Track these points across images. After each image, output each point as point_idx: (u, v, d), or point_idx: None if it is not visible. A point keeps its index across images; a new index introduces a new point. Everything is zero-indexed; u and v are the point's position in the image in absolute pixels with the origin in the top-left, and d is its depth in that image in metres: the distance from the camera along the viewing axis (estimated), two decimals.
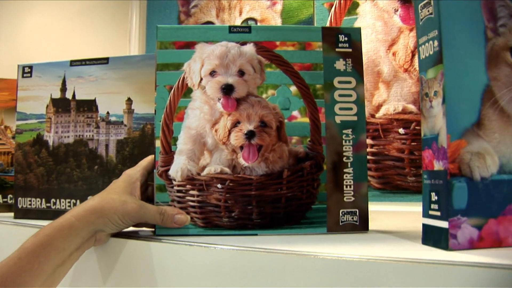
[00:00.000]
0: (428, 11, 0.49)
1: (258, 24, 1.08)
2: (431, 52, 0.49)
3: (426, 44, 0.49)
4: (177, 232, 0.58)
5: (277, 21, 1.07)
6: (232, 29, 0.60)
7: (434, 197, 0.48)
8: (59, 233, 0.56)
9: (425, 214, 0.49)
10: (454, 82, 0.47)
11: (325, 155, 0.59)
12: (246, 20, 1.10)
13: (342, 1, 1.00)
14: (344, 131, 0.60)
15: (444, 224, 0.46)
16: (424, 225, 0.50)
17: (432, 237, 0.49)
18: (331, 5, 1.01)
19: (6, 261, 0.55)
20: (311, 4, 1.04)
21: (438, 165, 0.47)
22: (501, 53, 0.49)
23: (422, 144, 0.51)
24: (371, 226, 0.61)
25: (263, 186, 0.58)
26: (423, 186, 0.50)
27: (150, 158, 0.63)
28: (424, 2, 0.50)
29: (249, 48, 0.60)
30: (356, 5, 1.00)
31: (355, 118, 0.60)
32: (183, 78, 0.60)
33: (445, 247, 0.46)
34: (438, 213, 0.47)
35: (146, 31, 1.28)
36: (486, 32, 0.49)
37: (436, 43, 0.48)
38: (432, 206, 0.48)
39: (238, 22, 1.11)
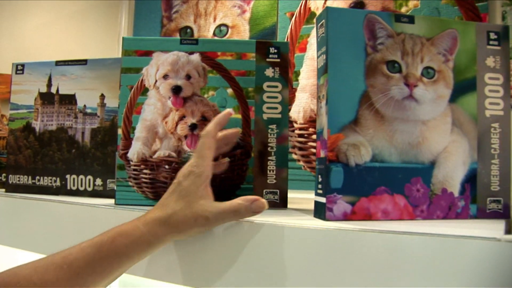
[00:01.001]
0: (322, 31, 0.64)
1: (230, 29, 1.25)
2: (322, 64, 0.63)
3: (320, 57, 0.64)
4: (133, 202, 0.75)
5: (245, 28, 1.23)
6: (182, 41, 0.77)
7: (319, 179, 0.63)
8: (137, 247, 0.58)
9: (315, 193, 0.64)
10: (336, 88, 0.61)
11: (253, 145, 0.76)
12: (219, 26, 1.26)
13: (301, 12, 1.16)
14: (270, 126, 0.76)
15: (323, 200, 0.60)
16: (314, 202, 0.65)
17: (317, 210, 0.63)
18: (292, 15, 1.17)
19: (80, 255, 0.58)
20: (275, 14, 1.20)
21: (322, 153, 0.62)
22: (378, 66, 0.63)
23: (316, 136, 0.66)
24: (296, 206, 0.77)
25: None
26: (316, 170, 0.66)
27: (209, 142, 0.64)
28: (320, 23, 0.64)
29: (196, 57, 0.76)
30: (314, 15, 1.15)
31: (279, 116, 0.76)
32: (142, 80, 0.76)
33: (324, 218, 0.60)
34: (321, 192, 0.62)
35: (133, 33, 1.44)
36: (367, 49, 0.63)
37: (325, 56, 0.62)
38: (319, 186, 0.62)
39: (212, 27, 1.27)
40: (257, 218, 0.60)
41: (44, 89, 0.96)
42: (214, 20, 1.27)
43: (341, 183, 0.61)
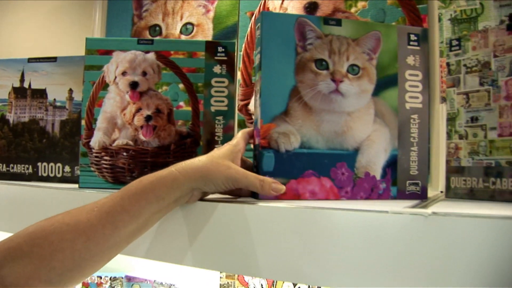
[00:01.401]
0: (258, 33, 0.73)
1: (195, 28, 1.35)
2: (257, 62, 0.72)
3: (256, 56, 0.73)
4: (94, 185, 0.85)
5: (209, 26, 1.34)
6: (140, 41, 0.87)
7: (254, 163, 0.73)
8: (162, 182, 0.62)
9: None
10: (268, 83, 0.70)
11: (201, 134, 0.86)
12: (185, 24, 1.37)
13: (260, 11, 1.27)
14: (217, 118, 0.86)
15: None
16: None
17: (253, 192, 0.71)
18: (252, 14, 1.28)
19: (110, 198, 0.61)
20: (236, 13, 1.31)
21: (257, 141, 0.71)
22: (307, 64, 0.71)
23: (253, 126, 0.74)
24: None
25: (156, 155, 0.85)
26: (253, 156, 0.75)
27: (245, 131, 0.73)
28: (257, 26, 0.73)
29: (151, 56, 0.86)
30: None
31: (226, 108, 0.86)
32: (103, 76, 0.86)
33: (257, 198, 0.68)
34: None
35: (106, 31, 1.54)
36: (297, 49, 0.71)
37: (259, 56, 0.72)
38: (254, 170, 0.72)
39: (179, 25, 1.37)
40: (208, 198, 0.69)
41: (17, 84, 1.06)
42: (181, 19, 1.37)
43: (272, 167, 0.70)
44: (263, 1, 1.26)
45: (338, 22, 0.73)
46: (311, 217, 0.59)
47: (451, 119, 0.80)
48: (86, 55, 0.86)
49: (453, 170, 0.80)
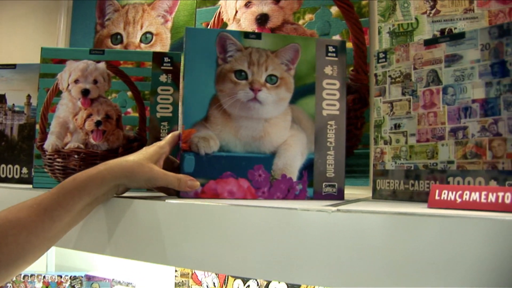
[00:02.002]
0: (184, 46, 0.79)
1: (154, 37, 1.42)
2: (182, 74, 0.80)
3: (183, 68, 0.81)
4: (47, 186, 0.91)
5: (167, 35, 1.40)
6: (91, 52, 0.93)
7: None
8: (92, 180, 0.70)
9: None
10: (189, 92, 0.77)
11: (148, 138, 0.92)
12: (145, 33, 1.43)
13: (215, 22, 1.34)
14: (162, 123, 0.92)
15: None
16: None
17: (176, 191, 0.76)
18: (207, 25, 1.35)
19: (47, 195, 0.69)
20: (193, 23, 1.37)
21: (180, 144, 0.77)
22: (227, 74, 0.78)
23: None
24: None
25: (105, 158, 0.90)
26: None
27: (174, 134, 0.79)
28: (184, 40, 0.80)
29: (102, 65, 0.92)
30: (225, 25, 1.33)
31: (170, 114, 0.93)
32: (57, 83, 0.92)
33: (179, 196, 0.75)
34: None
35: (70, 38, 1.60)
36: (218, 60, 0.78)
37: (183, 67, 0.79)
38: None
39: (139, 34, 1.44)
40: (127, 195, 0.76)
41: None
42: (141, 28, 1.44)
43: (193, 168, 0.76)
44: (217, 13, 1.33)
45: (258, 36, 0.80)
46: (221, 213, 0.66)
47: (377, 125, 0.88)
48: (41, 64, 0.92)
49: (379, 173, 0.88)
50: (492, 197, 0.60)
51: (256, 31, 1.27)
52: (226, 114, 0.78)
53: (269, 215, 0.62)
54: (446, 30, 1.10)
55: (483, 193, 0.61)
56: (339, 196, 0.81)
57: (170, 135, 0.79)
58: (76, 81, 0.91)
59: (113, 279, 1.38)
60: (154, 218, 0.71)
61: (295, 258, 0.60)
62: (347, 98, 1.12)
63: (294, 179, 0.79)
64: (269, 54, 0.80)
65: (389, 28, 1.15)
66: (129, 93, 0.92)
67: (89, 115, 0.91)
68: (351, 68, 1.17)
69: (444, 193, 0.65)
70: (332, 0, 1.20)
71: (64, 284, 1.38)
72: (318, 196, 0.80)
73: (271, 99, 0.79)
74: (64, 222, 0.69)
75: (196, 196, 0.76)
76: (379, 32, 1.16)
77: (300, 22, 1.24)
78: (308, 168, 0.80)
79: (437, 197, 0.65)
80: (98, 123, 0.90)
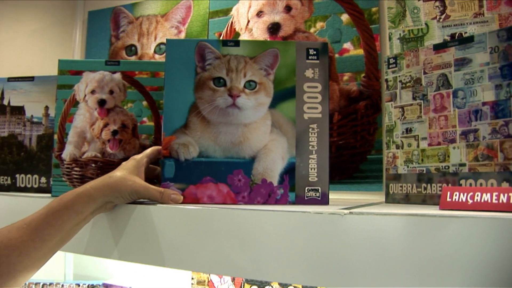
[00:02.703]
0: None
1: None
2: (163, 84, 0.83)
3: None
4: None
5: None
6: (107, 63, 0.95)
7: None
8: (80, 199, 0.73)
9: None
10: (169, 100, 0.80)
11: None
12: (159, 44, 1.46)
13: (227, 32, 1.36)
14: None
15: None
16: None
17: None
18: (220, 35, 1.37)
19: (36, 216, 0.72)
20: (206, 34, 1.40)
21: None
22: (206, 82, 0.80)
23: None
24: None
25: None
26: None
27: (154, 148, 0.83)
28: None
29: (117, 76, 0.94)
30: (238, 35, 1.35)
31: None
32: (74, 94, 0.94)
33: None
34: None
35: (86, 50, 1.63)
36: (196, 69, 0.80)
37: (164, 77, 0.81)
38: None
39: (153, 45, 1.46)
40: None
41: None
42: (155, 39, 1.47)
43: (173, 174, 0.78)
44: (230, 23, 1.36)
45: (237, 43, 0.81)
46: (236, 217, 0.68)
47: (389, 130, 0.89)
48: (58, 75, 0.94)
49: (391, 177, 0.89)
50: (503, 198, 0.61)
51: (268, 40, 1.29)
52: (205, 121, 0.80)
53: (283, 218, 0.64)
54: (456, 34, 1.11)
55: (494, 194, 0.62)
56: (323, 200, 0.80)
57: (150, 148, 0.83)
58: (92, 92, 0.93)
59: (130, 287, 1.40)
60: (162, 223, 0.74)
61: (308, 259, 0.61)
62: (359, 104, 1.13)
63: (275, 183, 0.79)
64: (248, 60, 0.81)
65: (400, 34, 1.16)
66: (144, 103, 0.94)
67: (105, 125, 0.93)
68: (363, 75, 1.18)
69: (456, 195, 0.66)
70: (343, 7, 1.22)
71: None
72: (300, 200, 0.79)
73: (250, 105, 0.80)
74: (54, 241, 0.72)
75: None
76: (390, 38, 1.17)
77: (312, 30, 1.25)
78: (289, 172, 0.79)
79: (448, 199, 0.66)
80: (114, 133, 0.93)
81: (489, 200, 0.62)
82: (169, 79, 0.80)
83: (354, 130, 1.17)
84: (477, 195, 0.64)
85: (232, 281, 1.30)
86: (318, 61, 0.82)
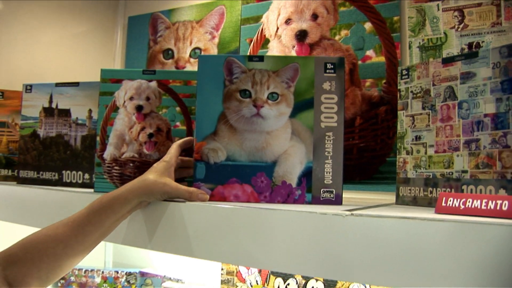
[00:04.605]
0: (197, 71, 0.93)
1: (202, 52, 1.55)
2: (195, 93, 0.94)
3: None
4: (106, 190, 1.05)
5: (215, 51, 1.54)
6: (144, 72, 1.06)
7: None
8: (117, 201, 0.84)
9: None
10: (201, 110, 0.90)
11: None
12: (194, 49, 1.57)
13: (258, 38, 1.46)
14: None
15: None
16: None
17: None
18: (251, 41, 1.47)
19: (79, 214, 0.84)
20: (238, 39, 1.50)
21: (193, 155, 0.91)
22: (233, 94, 0.90)
23: None
24: None
25: None
26: None
27: (178, 144, 0.93)
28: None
29: (153, 84, 1.05)
30: (267, 41, 1.45)
31: None
32: (114, 101, 1.06)
33: None
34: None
35: (126, 54, 1.76)
36: (225, 81, 0.90)
37: (196, 89, 0.92)
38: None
39: (189, 50, 1.58)
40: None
41: (46, 105, 1.28)
42: (190, 44, 1.58)
43: (203, 175, 0.89)
44: (260, 29, 1.45)
45: (261, 58, 0.91)
46: (246, 215, 0.78)
47: (400, 137, 0.97)
48: (101, 83, 1.06)
49: (401, 181, 0.97)
50: (491, 204, 0.69)
51: (295, 46, 1.38)
52: (232, 128, 0.90)
53: (293, 217, 0.74)
54: (474, 44, 1.18)
55: (484, 200, 0.70)
56: (336, 201, 0.88)
57: (173, 147, 0.93)
58: (131, 98, 1.04)
59: (164, 276, 1.52)
60: (192, 218, 0.84)
61: (313, 254, 0.71)
62: (380, 109, 1.22)
63: (294, 185, 0.89)
64: (271, 74, 0.90)
65: (419, 43, 1.23)
66: (178, 109, 1.05)
67: (142, 128, 1.04)
68: (384, 81, 1.26)
69: (450, 200, 0.74)
70: (366, 16, 1.30)
71: (120, 279, 1.54)
72: (316, 201, 0.88)
73: (272, 114, 0.89)
74: (94, 236, 0.83)
75: (210, 199, 0.88)
76: (410, 47, 1.25)
77: (336, 37, 1.34)
78: (306, 175, 0.89)
79: (443, 204, 0.74)
80: (150, 135, 1.04)
81: (479, 206, 0.70)
82: (201, 91, 0.91)
83: (374, 133, 1.25)
84: (469, 201, 0.72)
85: (259, 273, 1.40)
86: (335, 75, 0.90)
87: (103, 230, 0.85)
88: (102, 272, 1.56)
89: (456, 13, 1.20)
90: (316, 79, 0.90)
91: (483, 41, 1.16)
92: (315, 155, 0.89)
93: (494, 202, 0.69)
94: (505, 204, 0.68)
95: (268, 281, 1.38)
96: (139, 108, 1.04)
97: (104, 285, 1.54)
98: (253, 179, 0.89)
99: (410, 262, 0.63)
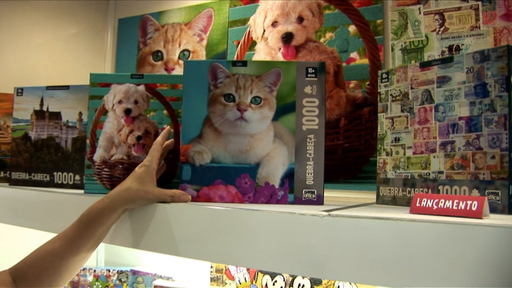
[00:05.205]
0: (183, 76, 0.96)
1: (191, 54, 1.58)
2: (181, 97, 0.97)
3: None
4: (96, 191, 1.08)
5: (203, 53, 1.57)
6: (132, 76, 1.09)
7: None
8: (103, 212, 0.88)
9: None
10: (186, 114, 0.94)
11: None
12: (183, 50, 1.60)
13: (245, 40, 1.49)
14: None
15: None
16: None
17: None
18: (238, 43, 1.50)
19: (71, 228, 0.89)
20: (225, 42, 1.53)
21: (180, 158, 0.94)
22: (217, 98, 0.93)
23: None
24: None
25: None
26: None
27: (159, 141, 0.96)
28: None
29: (141, 87, 1.08)
30: (254, 43, 1.48)
31: None
32: (103, 104, 1.09)
33: None
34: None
35: (116, 55, 1.79)
36: (210, 86, 0.94)
37: (182, 94, 0.95)
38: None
39: (177, 51, 1.61)
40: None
41: (37, 107, 1.30)
42: (179, 46, 1.61)
43: (189, 177, 0.93)
44: (247, 32, 1.48)
45: (244, 63, 0.94)
46: (238, 216, 0.81)
47: (380, 139, 1.01)
48: (90, 87, 1.09)
49: (382, 181, 1.01)
50: (462, 205, 0.73)
51: (281, 48, 1.41)
52: (217, 132, 0.94)
53: (273, 218, 0.77)
54: (454, 46, 1.21)
55: (455, 201, 0.74)
56: (318, 201, 0.92)
57: (152, 148, 0.96)
58: (119, 102, 1.07)
59: (155, 274, 1.56)
60: (179, 219, 0.88)
61: (291, 254, 0.75)
62: (363, 110, 1.25)
63: (276, 186, 0.92)
64: (254, 79, 0.93)
65: (401, 45, 1.27)
66: (165, 112, 1.08)
67: (131, 131, 1.07)
68: (367, 83, 1.29)
69: (424, 201, 0.77)
70: (350, 19, 1.33)
71: (112, 277, 1.57)
72: (298, 201, 0.92)
73: (255, 118, 0.93)
74: (87, 247, 0.90)
75: (192, 200, 0.92)
76: (392, 49, 1.28)
77: (322, 40, 1.37)
78: (289, 176, 0.92)
79: (417, 204, 0.78)
80: (138, 138, 1.07)
81: (450, 207, 0.74)
82: (186, 96, 0.94)
83: (358, 134, 1.28)
84: (441, 202, 0.75)
85: (247, 270, 1.44)
86: (316, 79, 0.94)
87: (95, 240, 0.90)
88: (94, 270, 1.59)
89: (437, 17, 1.23)
90: (298, 83, 0.93)
91: (462, 44, 1.20)
92: (297, 157, 0.92)
93: (464, 202, 0.73)
94: (474, 204, 0.72)
95: (256, 278, 1.41)
96: (127, 111, 1.07)
97: (96, 283, 1.57)
98: (237, 180, 0.92)
99: (383, 260, 0.67)
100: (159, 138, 0.97)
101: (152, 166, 0.92)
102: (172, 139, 1.03)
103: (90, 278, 1.58)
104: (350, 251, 0.69)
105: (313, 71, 0.94)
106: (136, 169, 0.93)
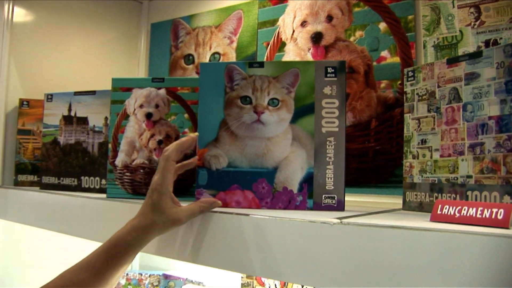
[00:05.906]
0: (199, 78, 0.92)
1: (221, 56, 1.56)
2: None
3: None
4: (118, 195, 1.07)
5: (233, 55, 1.54)
6: (153, 80, 1.08)
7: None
8: (131, 248, 0.81)
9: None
10: (202, 117, 0.90)
11: None
12: (214, 53, 1.58)
13: (274, 41, 1.45)
14: None
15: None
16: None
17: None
18: (268, 44, 1.47)
19: (94, 259, 0.81)
20: (255, 43, 1.49)
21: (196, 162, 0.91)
22: (234, 100, 0.89)
23: None
24: None
25: None
26: None
27: (170, 167, 0.85)
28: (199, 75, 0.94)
29: (162, 91, 1.06)
30: (284, 44, 1.44)
31: None
32: (125, 109, 1.08)
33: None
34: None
35: (149, 60, 1.79)
36: (226, 89, 0.90)
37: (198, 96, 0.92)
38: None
39: (208, 54, 1.58)
40: None
41: (66, 113, 1.31)
42: (210, 49, 1.59)
43: (206, 181, 0.89)
44: (276, 33, 1.45)
45: (261, 64, 0.90)
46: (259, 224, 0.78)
47: (407, 141, 0.95)
48: (111, 92, 1.08)
49: (408, 186, 0.94)
50: (486, 213, 0.67)
51: (311, 49, 1.37)
52: (233, 135, 0.90)
53: (284, 225, 0.73)
54: (491, 41, 1.13)
55: (479, 209, 0.68)
56: (338, 207, 0.87)
57: (164, 170, 0.85)
58: (141, 106, 1.06)
59: (186, 278, 1.54)
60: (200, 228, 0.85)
61: (302, 262, 0.70)
62: (395, 111, 1.19)
63: (295, 191, 0.87)
64: (271, 80, 0.89)
65: (434, 42, 1.20)
66: (186, 115, 1.06)
67: (152, 135, 1.06)
68: (399, 82, 1.23)
69: (446, 208, 0.71)
70: (381, 16, 1.27)
71: (144, 281, 1.56)
72: (317, 207, 0.87)
73: (273, 120, 0.89)
74: (115, 278, 0.83)
75: None
76: (424, 46, 1.21)
77: (351, 39, 1.31)
78: (308, 181, 0.87)
79: (439, 212, 0.72)
80: (159, 142, 1.05)
81: (474, 215, 0.68)
82: (202, 98, 0.91)
83: (389, 136, 1.22)
84: (464, 209, 0.69)
85: None
86: (335, 79, 0.89)
87: (123, 270, 0.84)
88: (127, 274, 1.59)
89: (472, 10, 1.15)
90: (316, 83, 0.89)
91: (501, 38, 1.11)
92: (316, 161, 0.88)
93: (489, 210, 0.66)
94: (500, 212, 0.65)
95: (287, 284, 1.37)
96: (148, 116, 1.05)
97: (129, 287, 1.57)
98: (254, 185, 0.89)
99: (394, 271, 0.62)
100: (171, 151, 0.86)
101: (167, 191, 0.84)
102: (192, 161, 0.93)
103: (123, 282, 1.58)
104: (360, 261, 0.65)
105: (333, 70, 0.89)
106: (150, 192, 0.84)
